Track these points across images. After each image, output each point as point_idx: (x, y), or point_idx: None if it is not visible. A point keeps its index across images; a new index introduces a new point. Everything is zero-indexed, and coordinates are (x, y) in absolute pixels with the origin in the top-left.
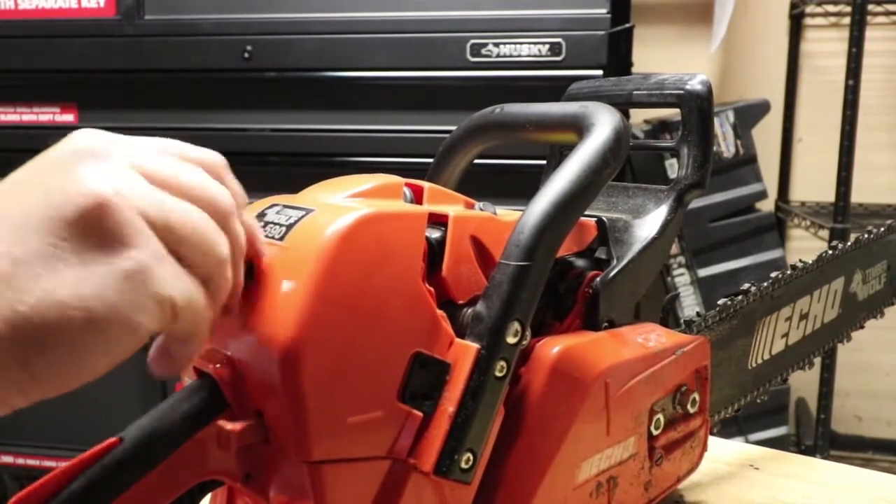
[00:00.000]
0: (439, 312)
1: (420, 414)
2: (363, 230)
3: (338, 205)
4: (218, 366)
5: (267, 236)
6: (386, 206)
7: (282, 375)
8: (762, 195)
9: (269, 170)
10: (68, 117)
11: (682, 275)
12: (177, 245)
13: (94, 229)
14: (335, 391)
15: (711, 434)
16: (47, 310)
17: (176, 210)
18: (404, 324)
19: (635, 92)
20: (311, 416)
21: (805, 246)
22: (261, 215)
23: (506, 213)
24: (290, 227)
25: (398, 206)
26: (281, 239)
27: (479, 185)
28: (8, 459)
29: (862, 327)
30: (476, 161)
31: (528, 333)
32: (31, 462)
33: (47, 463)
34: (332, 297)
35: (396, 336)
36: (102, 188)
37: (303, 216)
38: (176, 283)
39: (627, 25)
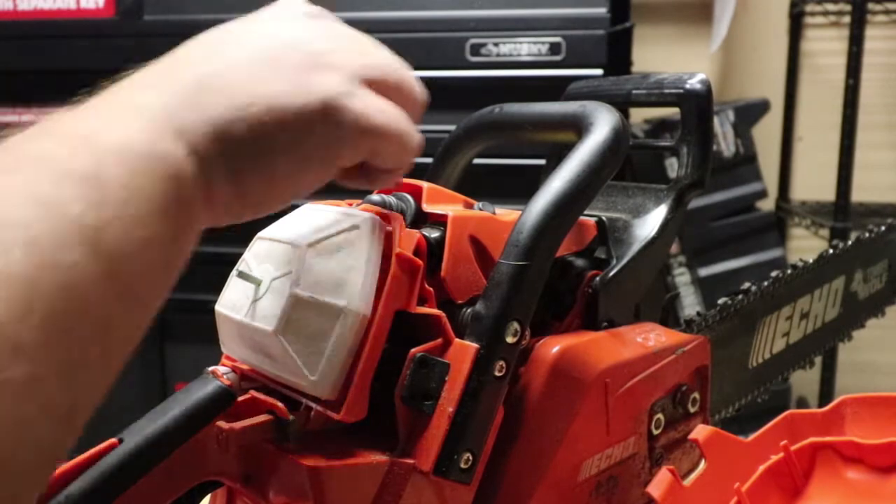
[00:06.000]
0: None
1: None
2: None
3: None
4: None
5: None
6: None
7: None
8: (762, 194)
9: None
10: None
11: (682, 274)
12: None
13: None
14: None
15: None
16: (256, 114)
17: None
18: None
19: (634, 91)
20: None
21: (805, 245)
22: None
23: (505, 212)
24: None
25: None
26: None
27: (478, 184)
28: None
29: (863, 326)
30: (476, 161)
31: (528, 333)
32: None
33: None
34: None
35: None
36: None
37: None
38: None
39: (627, 25)
